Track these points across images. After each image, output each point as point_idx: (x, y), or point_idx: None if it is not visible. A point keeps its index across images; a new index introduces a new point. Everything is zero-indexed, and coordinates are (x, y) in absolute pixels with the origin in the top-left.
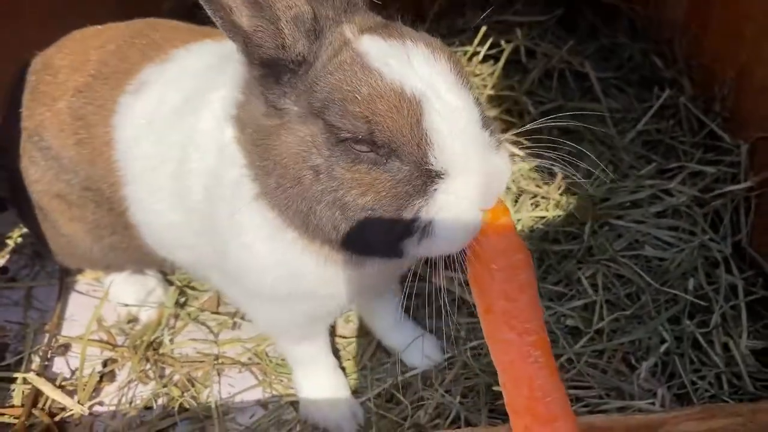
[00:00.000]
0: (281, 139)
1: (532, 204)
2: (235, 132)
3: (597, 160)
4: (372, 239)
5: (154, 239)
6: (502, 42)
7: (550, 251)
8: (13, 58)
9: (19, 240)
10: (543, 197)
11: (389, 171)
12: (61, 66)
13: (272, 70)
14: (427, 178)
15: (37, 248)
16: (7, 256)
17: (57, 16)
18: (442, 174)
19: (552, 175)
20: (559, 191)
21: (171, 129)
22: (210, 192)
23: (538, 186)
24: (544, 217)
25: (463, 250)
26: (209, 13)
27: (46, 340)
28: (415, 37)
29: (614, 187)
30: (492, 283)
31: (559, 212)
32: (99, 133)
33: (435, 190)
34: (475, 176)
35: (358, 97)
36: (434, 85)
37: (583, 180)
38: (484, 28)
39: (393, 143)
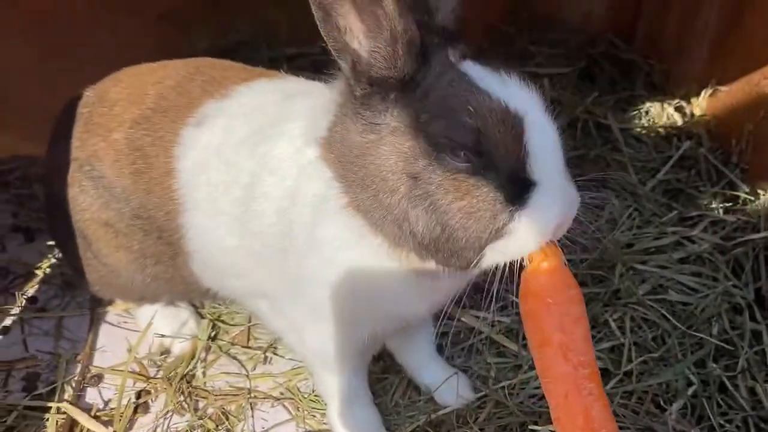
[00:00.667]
0: (379, 152)
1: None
2: (321, 151)
3: (621, 206)
4: (460, 246)
5: (207, 267)
6: None
7: None
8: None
9: (48, 270)
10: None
11: (485, 179)
12: (118, 99)
13: (380, 87)
14: (520, 189)
15: (67, 278)
16: (36, 286)
17: (99, 61)
18: (533, 187)
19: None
20: (585, 236)
21: (239, 157)
22: (285, 212)
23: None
24: (571, 260)
25: (507, 286)
26: (322, 33)
27: (78, 370)
28: (504, 69)
29: (638, 233)
30: (549, 317)
31: (586, 256)
32: (159, 164)
33: (527, 198)
34: (560, 194)
35: (471, 109)
36: (530, 108)
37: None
38: None
39: (496, 153)
